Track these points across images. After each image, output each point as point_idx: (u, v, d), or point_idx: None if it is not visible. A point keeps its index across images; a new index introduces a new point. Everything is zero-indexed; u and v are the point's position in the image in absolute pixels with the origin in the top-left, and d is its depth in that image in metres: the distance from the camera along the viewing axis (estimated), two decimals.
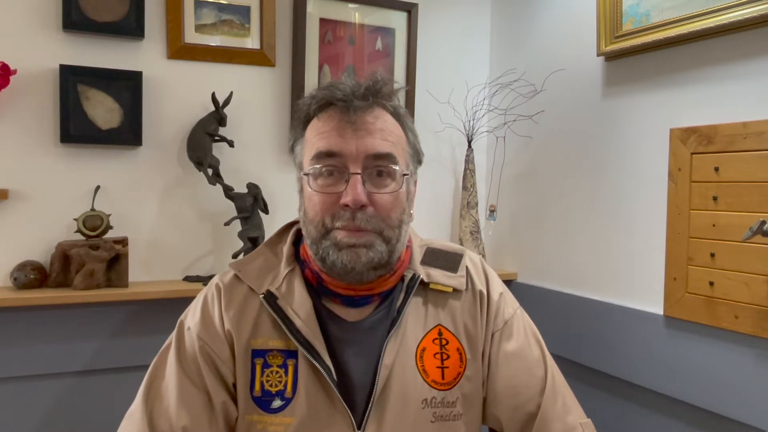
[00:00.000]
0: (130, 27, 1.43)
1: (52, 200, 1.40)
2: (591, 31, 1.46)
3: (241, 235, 1.49)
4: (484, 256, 1.77)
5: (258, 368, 0.88)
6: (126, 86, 1.43)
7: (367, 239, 0.85)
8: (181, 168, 1.52)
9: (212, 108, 1.49)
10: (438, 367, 0.90)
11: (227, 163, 1.54)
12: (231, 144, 1.52)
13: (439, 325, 0.93)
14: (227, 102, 1.50)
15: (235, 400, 0.89)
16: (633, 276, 1.37)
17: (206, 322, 0.90)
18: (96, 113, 1.42)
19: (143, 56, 1.47)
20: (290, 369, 0.87)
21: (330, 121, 0.87)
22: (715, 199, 1.17)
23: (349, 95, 0.86)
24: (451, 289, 0.94)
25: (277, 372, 0.88)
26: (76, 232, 1.37)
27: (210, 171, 1.49)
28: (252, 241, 1.48)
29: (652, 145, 1.32)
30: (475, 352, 0.93)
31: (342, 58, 1.68)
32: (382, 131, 0.87)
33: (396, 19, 1.73)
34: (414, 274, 0.93)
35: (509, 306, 0.99)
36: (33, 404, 1.36)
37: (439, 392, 0.89)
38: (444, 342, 0.92)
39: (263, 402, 0.87)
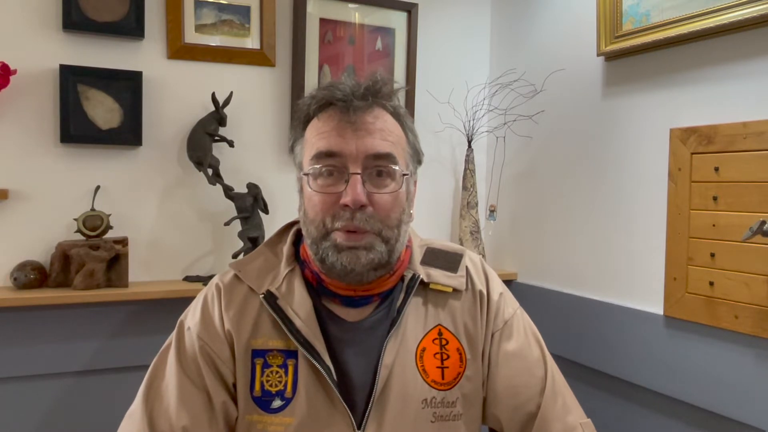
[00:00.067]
0: (130, 27, 1.43)
1: (52, 200, 1.40)
2: (591, 31, 1.46)
3: (241, 235, 1.49)
4: (484, 256, 1.77)
5: (258, 368, 0.88)
6: (126, 86, 1.43)
7: (367, 241, 0.85)
8: (181, 168, 1.52)
9: (212, 108, 1.49)
10: (438, 367, 0.90)
11: (227, 163, 1.54)
12: (231, 144, 1.52)
13: (439, 325, 0.93)
14: (227, 102, 1.50)
15: (235, 400, 0.89)
16: (633, 276, 1.37)
17: (206, 322, 0.90)
18: (96, 113, 1.42)
19: (143, 56, 1.47)
20: (290, 369, 0.87)
21: (330, 121, 0.87)
22: (715, 199, 1.17)
23: (349, 95, 0.86)
24: (451, 289, 0.94)
25: (277, 372, 0.88)
26: (76, 232, 1.37)
27: (210, 171, 1.49)
28: (252, 241, 1.48)
29: (652, 145, 1.32)
30: (475, 352, 0.93)
31: (342, 58, 1.68)
32: (382, 131, 0.87)
33: (396, 19, 1.73)
34: (414, 274, 0.93)
35: (509, 306, 0.99)
36: (33, 404, 1.36)
37: (439, 392, 0.89)
38: (444, 342, 0.92)
39: (263, 402, 0.87)
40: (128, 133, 1.44)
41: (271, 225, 1.48)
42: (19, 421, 1.35)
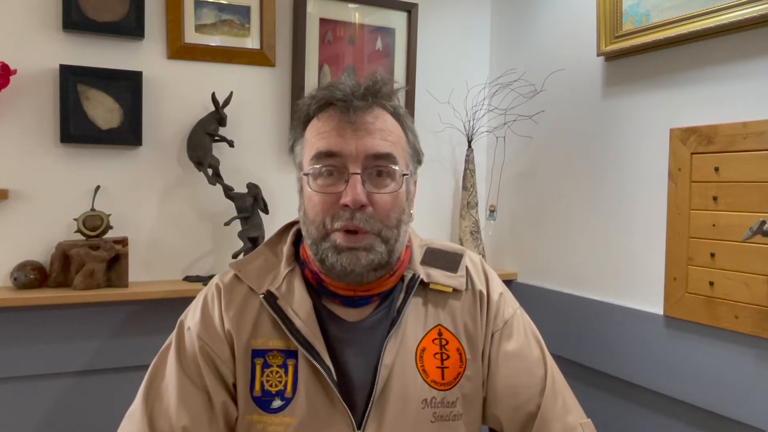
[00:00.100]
0: (130, 27, 1.43)
1: (52, 200, 1.40)
2: (591, 31, 1.46)
3: (241, 235, 1.49)
4: (484, 256, 1.77)
5: (258, 368, 0.88)
6: (126, 86, 1.43)
7: (367, 242, 0.85)
8: (181, 168, 1.52)
9: (212, 108, 1.49)
10: (438, 367, 0.90)
11: (227, 163, 1.54)
12: (231, 144, 1.52)
13: (439, 325, 0.93)
14: (227, 102, 1.50)
15: (235, 400, 0.89)
16: (633, 276, 1.37)
17: (206, 322, 0.90)
18: (96, 113, 1.42)
19: (143, 56, 1.47)
20: (290, 369, 0.88)
21: (330, 121, 0.87)
22: (715, 199, 1.17)
23: (349, 95, 0.86)
24: (450, 289, 0.94)
25: (277, 372, 0.88)
26: (76, 232, 1.37)
27: (210, 171, 1.49)
28: (252, 241, 1.48)
29: (652, 145, 1.32)
30: (475, 352, 0.93)
31: (342, 58, 1.68)
32: (382, 131, 0.87)
33: (396, 19, 1.73)
34: (414, 275, 0.93)
35: (509, 306, 0.99)
36: (33, 404, 1.36)
37: (439, 392, 0.89)
38: (444, 342, 0.92)
39: (263, 402, 0.87)
40: (128, 133, 1.44)
41: (271, 225, 1.48)
42: (19, 421, 1.35)
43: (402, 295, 0.92)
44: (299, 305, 0.89)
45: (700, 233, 1.20)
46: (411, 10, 1.73)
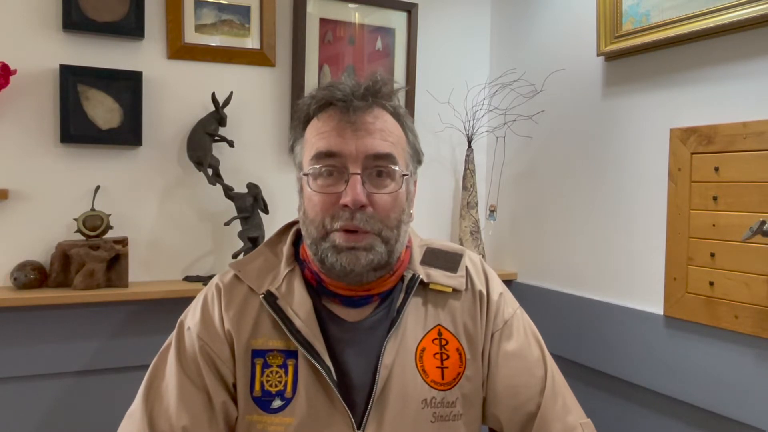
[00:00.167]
0: (130, 27, 1.43)
1: (52, 200, 1.40)
2: (591, 31, 1.46)
3: (241, 235, 1.49)
4: (484, 256, 1.77)
5: (258, 368, 0.88)
6: (126, 86, 1.43)
7: (367, 242, 0.85)
8: (181, 168, 1.52)
9: (212, 108, 1.49)
10: (438, 368, 0.90)
11: (227, 163, 1.54)
12: (231, 144, 1.52)
13: (438, 325, 0.93)
14: (227, 102, 1.50)
15: (235, 400, 0.89)
16: (633, 276, 1.37)
17: (206, 322, 0.90)
18: (96, 113, 1.42)
19: (143, 56, 1.47)
20: (290, 369, 0.88)
21: (330, 121, 0.87)
22: (715, 199, 1.17)
23: (349, 95, 0.86)
24: (450, 290, 0.94)
25: (277, 372, 0.88)
26: (76, 232, 1.37)
27: (210, 171, 1.49)
28: (252, 241, 1.48)
29: (652, 145, 1.32)
30: (475, 352, 0.93)
31: (342, 58, 1.68)
32: (382, 131, 0.87)
33: (396, 19, 1.73)
34: (414, 275, 0.93)
35: (509, 306, 0.99)
36: (33, 404, 1.36)
37: (438, 392, 0.89)
38: (444, 342, 0.92)
39: (263, 402, 0.87)
40: (128, 133, 1.44)
41: (271, 225, 1.48)
42: (19, 421, 1.35)
43: (402, 295, 0.92)
44: (299, 305, 0.89)
45: (700, 233, 1.20)
46: (411, 10, 1.73)
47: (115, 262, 1.38)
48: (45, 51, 1.38)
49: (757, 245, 1.09)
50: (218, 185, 1.49)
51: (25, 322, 1.34)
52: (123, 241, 1.39)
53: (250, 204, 1.50)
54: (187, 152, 1.48)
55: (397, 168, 0.87)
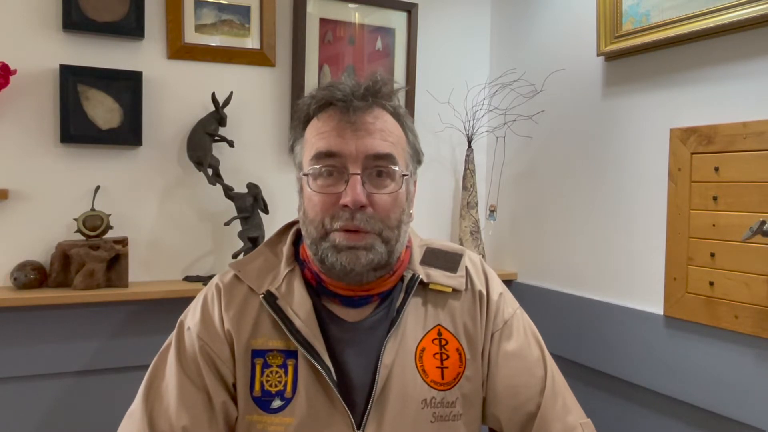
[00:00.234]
0: (130, 27, 1.43)
1: (52, 200, 1.40)
2: (591, 31, 1.46)
3: (241, 235, 1.49)
4: (484, 256, 1.77)
5: (258, 368, 0.88)
6: (126, 86, 1.43)
7: (367, 241, 0.85)
8: (181, 168, 1.52)
9: (212, 108, 1.49)
10: (437, 368, 0.90)
11: (227, 163, 1.54)
12: (231, 144, 1.52)
13: (438, 325, 0.93)
14: (227, 102, 1.50)
15: (235, 400, 0.89)
16: (633, 276, 1.37)
17: (206, 322, 0.90)
18: (96, 113, 1.42)
19: (143, 56, 1.47)
20: (290, 369, 0.88)
21: (330, 121, 0.87)
22: (715, 199, 1.17)
23: (349, 95, 0.86)
24: (450, 290, 0.94)
25: (277, 372, 0.88)
26: (76, 232, 1.37)
27: (210, 171, 1.49)
28: (252, 241, 1.48)
29: (652, 145, 1.32)
30: (475, 352, 0.93)
31: (342, 58, 1.68)
32: (382, 131, 0.87)
33: (396, 19, 1.73)
34: (413, 275, 0.93)
35: (509, 306, 0.99)
36: (33, 404, 1.36)
37: (438, 392, 0.89)
38: (443, 342, 0.92)
39: (263, 402, 0.87)
40: (128, 133, 1.44)
41: (271, 225, 1.48)
42: (19, 421, 1.35)
43: (402, 295, 0.92)
44: (299, 305, 0.89)
45: (700, 233, 1.20)
46: (411, 10, 1.73)
47: (115, 262, 1.38)
48: (45, 51, 1.38)
49: (757, 245, 1.09)
50: (218, 185, 1.49)
51: (25, 322, 1.34)
52: (123, 241, 1.39)
53: (250, 204, 1.50)
54: (187, 152, 1.48)
55: (397, 168, 0.87)
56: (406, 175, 0.90)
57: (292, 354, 0.88)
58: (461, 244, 1.74)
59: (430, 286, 0.94)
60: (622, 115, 1.41)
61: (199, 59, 1.52)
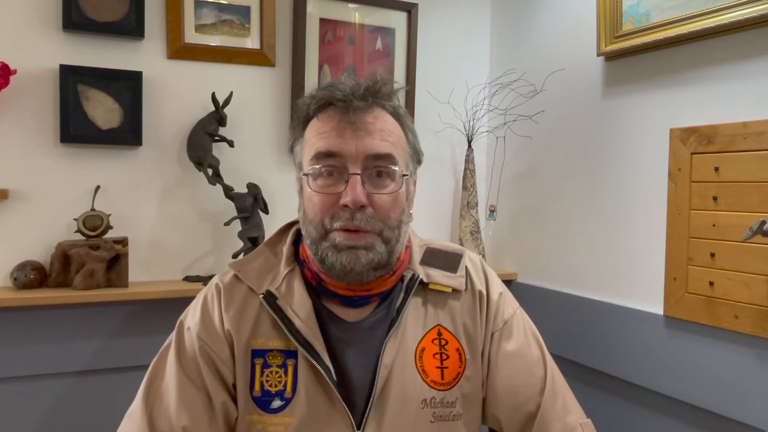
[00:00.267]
0: (130, 27, 1.43)
1: (52, 200, 1.40)
2: (591, 31, 1.46)
3: (241, 235, 1.49)
4: (484, 256, 1.77)
5: (258, 368, 0.88)
6: (126, 86, 1.43)
7: (367, 241, 0.85)
8: (181, 168, 1.52)
9: (212, 108, 1.49)
10: (437, 368, 0.90)
11: (227, 163, 1.54)
12: (231, 144, 1.52)
13: (438, 325, 0.93)
14: (227, 102, 1.50)
15: (235, 400, 0.89)
16: (633, 276, 1.37)
17: (206, 322, 0.90)
18: (96, 113, 1.42)
19: (143, 56, 1.47)
20: (290, 369, 0.88)
21: (329, 121, 0.87)
22: (715, 199, 1.17)
23: (349, 95, 0.86)
24: (450, 290, 0.94)
25: (277, 372, 0.88)
26: (76, 232, 1.37)
27: (210, 171, 1.49)
28: (252, 241, 1.48)
29: (652, 145, 1.32)
30: (475, 352, 0.93)
31: (342, 58, 1.68)
32: (382, 131, 0.87)
33: (396, 19, 1.73)
34: (413, 275, 0.93)
35: (509, 306, 0.99)
36: (33, 404, 1.36)
37: (438, 392, 0.89)
38: (443, 342, 0.92)
39: (263, 402, 0.87)
40: (128, 133, 1.44)
41: (271, 225, 1.48)
42: (19, 421, 1.35)
43: (402, 295, 0.92)
44: (299, 305, 0.89)
45: (700, 233, 1.19)
46: (411, 10, 1.73)
47: (115, 262, 1.38)
48: (45, 51, 1.38)
49: (757, 245, 1.09)
50: (218, 185, 1.49)
51: (25, 322, 1.34)
52: (123, 241, 1.39)
53: (250, 204, 1.50)
54: (187, 152, 1.48)
55: (397, 168, 0.87)
56: (406, 175, 0.90)
57: (292, 354, 0.88)
58: (461, 244, 1.74)
59: (430, 286, 0.94)
60: (622, 115, 1.41)
61: (199, 59, 1.52)
